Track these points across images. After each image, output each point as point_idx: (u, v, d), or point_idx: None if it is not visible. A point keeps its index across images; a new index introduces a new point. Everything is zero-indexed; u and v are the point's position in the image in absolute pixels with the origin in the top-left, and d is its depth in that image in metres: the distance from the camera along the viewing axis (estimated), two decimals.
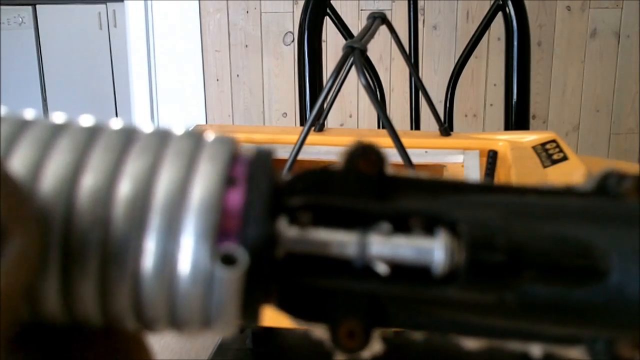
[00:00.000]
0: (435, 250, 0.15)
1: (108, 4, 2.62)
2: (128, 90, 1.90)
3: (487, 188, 0.17)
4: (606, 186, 0.16)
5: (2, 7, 2.59)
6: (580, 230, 0.15)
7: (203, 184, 0.15)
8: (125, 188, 0.15)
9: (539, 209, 0.16)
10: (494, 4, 1.11)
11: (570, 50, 1.78)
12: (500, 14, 1.10)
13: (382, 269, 0.16)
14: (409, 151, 0.65)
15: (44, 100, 2.72)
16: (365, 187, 0.16)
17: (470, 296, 0.15)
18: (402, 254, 0.16)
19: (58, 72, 2.70)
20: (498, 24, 1.12)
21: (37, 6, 2.64)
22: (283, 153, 0.68)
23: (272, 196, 0.15)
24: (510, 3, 1.08)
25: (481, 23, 1.14)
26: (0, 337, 0.13)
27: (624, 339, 0.15)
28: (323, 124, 0.88)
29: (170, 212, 0.14)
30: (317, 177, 0.16)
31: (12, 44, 2.64)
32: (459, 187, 0.17)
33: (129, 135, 0.16)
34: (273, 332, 1.00)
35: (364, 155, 0.16)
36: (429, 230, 0.16)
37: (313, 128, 0.86)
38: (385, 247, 0.16)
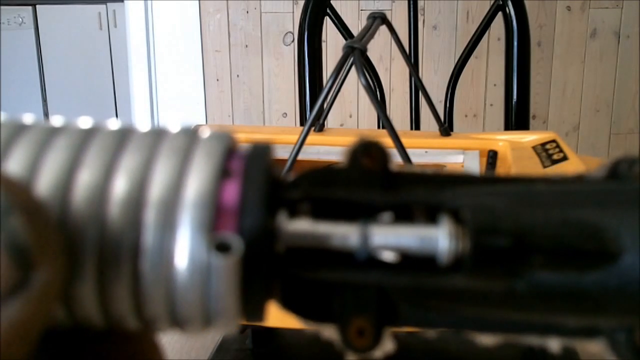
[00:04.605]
0: (439, 237, 0.15)
1: (108, 4, 2.62)
2: (128, 90, 1.90)
3: (493, 179, 0.16)
4: (617, 172, 0.16)
5: (2, 7, 2.58)
6: (589, 213, 0.15)
7: (198, 177, 0.15)
8: (120, 186, 0.15)
9: (546, 195, 0.16)
10: (494, 4, 1.10)
11: (570, 50, 1.78)
12: (500, 14, 1.10)
13: (388, 256, 0.15)
14: (409, 151, 0.65)
15: (44, 100, 2.72)
16: (369, 181, 0.16)
17: (477, 284, 0.15)
18: (406, 243, 0.15)
19: (58, 72, 2.70)
20: (498, 24, 1.12)
21: (37, 6, 2.64)
22: (283, 153, 0.68)
23: (270, 189, 0.15)
24: (510, 3, 1.08)
25: (481, 23, 1.14)
26: None
27: None
28: (323, 124, 0.88)
29: (166, 207, 0.14)
30: (319, 174, 0.16)
31: (12, 44, 2.64)
32: (464, 180, 0.16)
33: (124, 134, 0.16)
34: (273, 332, 1.00)
35: (367, 152, 0.16)
36: (432, 219, 0.16)
37: (313, 128, 0.86)
38: (387, 236, 0.15)
